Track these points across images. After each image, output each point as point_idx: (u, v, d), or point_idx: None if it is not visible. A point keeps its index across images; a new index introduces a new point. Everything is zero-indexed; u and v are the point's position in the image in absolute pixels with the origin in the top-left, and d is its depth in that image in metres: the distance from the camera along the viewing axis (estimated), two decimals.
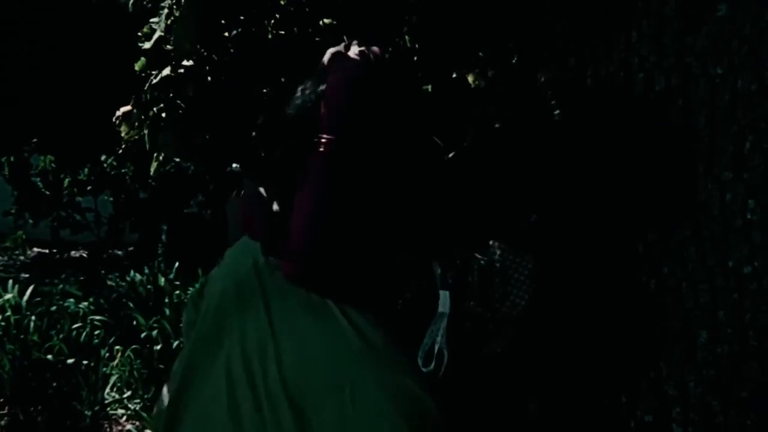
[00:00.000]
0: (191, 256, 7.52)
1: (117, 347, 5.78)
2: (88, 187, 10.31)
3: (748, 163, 1.13)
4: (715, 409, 1.15)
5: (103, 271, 8.20)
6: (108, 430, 4.99)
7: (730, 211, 1.15)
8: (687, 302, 1.18)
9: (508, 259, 1.27)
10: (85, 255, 10.84)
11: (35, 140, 9.30)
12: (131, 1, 2.13)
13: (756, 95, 1.12)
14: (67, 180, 10.39)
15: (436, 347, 1.20)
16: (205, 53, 2.08)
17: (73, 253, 11.13)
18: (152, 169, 2.43)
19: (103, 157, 9.52)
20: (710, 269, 1.16)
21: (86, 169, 10.08)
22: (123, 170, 9.80)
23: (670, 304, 1.19)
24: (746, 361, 1.14)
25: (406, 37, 1.91)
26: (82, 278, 8.61)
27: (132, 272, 7.39)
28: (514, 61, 2.07)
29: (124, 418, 5.18)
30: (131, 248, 9.95)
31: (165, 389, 1.38)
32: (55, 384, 4.92)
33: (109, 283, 7.48)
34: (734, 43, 1.13)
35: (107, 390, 5.22)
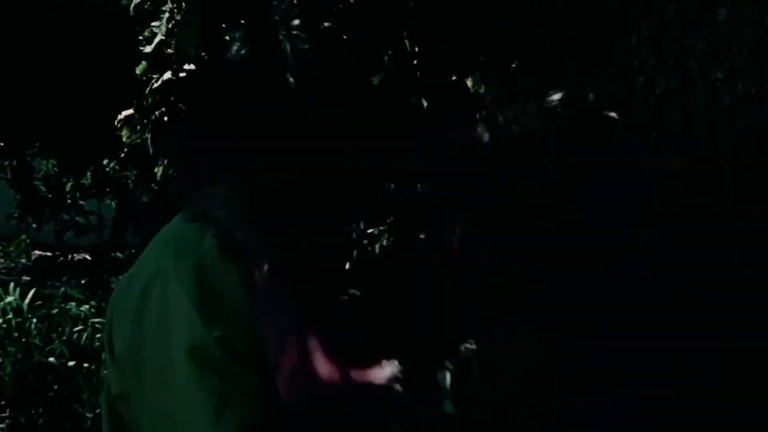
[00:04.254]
0: None
1: None
2: (91, 191, 10.30)
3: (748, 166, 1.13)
4: None
5: (105, 274, 8.19)
6: None
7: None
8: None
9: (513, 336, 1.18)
10: (87, 257, 10.82)
11: (38, 144, 9.29)
12: (133, 4, 2.12)
13: (755, 99, 1.12)
14: (69, 184, 10.38)
15: None
16: (207, 57, 2.07)
17: (75, 256, 11.11)
18: (158, 173, 2.42)
19: (105, 161, 9.51)
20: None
21: (89, 173, 10.07)
22: (125, 174, 9.78)
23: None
24: None
25: (406, 41, 1.90)
26: (84, 281, 8.59)
27: None
28: (513, 66, 2.06)
29: None
30: (133, 251, 9.93)
31: None
32: (56, 386, 4.90)
33: (111, 286, 7.46)
34: (734, 46, 1.12)
35: None
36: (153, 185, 8.91)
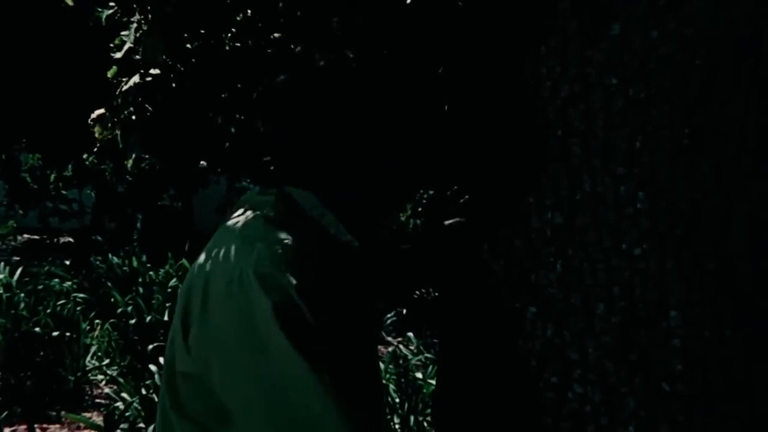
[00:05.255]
0: (162, 242, 7.40)
1: (97, 321, 5.69)
2: (73, 182, 10.08)
3: (638, 160, 1.12)
4: (609, 371, 1.14)
5: (86, 255, 8.01)
6: (89, 392, 4.90)
7: (623, 201, 1.14)
8: (587, 279, 1.16)
9: None
10: (71, 240, 10.58)
11: (24, 140, 9.02)
12: (105, 16, 2.05)
13: (644, 102, 1.12)
14: (53, 175, 10.13)
15: None
16: (170, 63, 2.02)
17: (60, 239, 10.88)
18: (129, 165, 2.34)
19: (84, 155, 9.27)
20: (607, 251, 1.15)
21: (70, 166, 9.82)
22: (102, 167, 9.56)
23: (573, 281, 1.18)
24: (635, 329, 1.13)
25: (350, 51, 1.87)
26: (68, 261, 8.41)
27: (110, 255, 7.24)
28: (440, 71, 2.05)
29: (103, 382, 5.09)
30: (110, 234, 9.74)
31: None
32: (42, 353, 4.84)
33: (92, 265, 7.31)
34: (626, 57, 1.12)
35: (88, 358, 5.14)
36: (127, 176, 8.72)
